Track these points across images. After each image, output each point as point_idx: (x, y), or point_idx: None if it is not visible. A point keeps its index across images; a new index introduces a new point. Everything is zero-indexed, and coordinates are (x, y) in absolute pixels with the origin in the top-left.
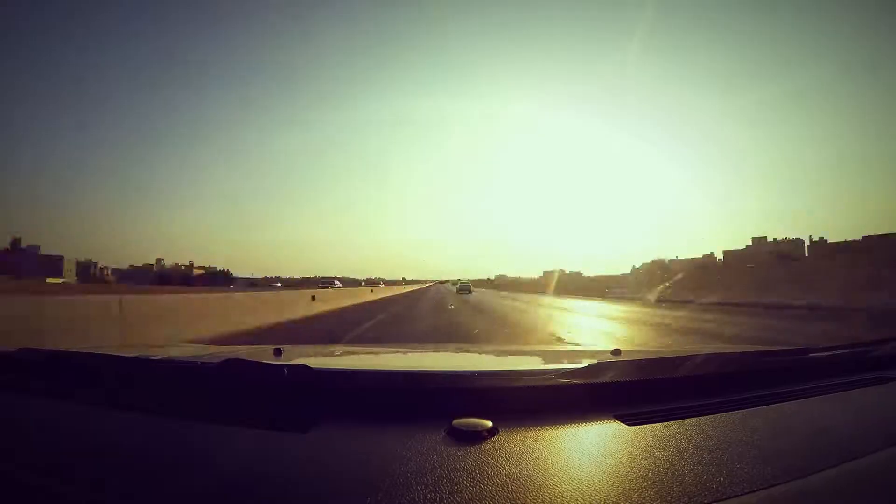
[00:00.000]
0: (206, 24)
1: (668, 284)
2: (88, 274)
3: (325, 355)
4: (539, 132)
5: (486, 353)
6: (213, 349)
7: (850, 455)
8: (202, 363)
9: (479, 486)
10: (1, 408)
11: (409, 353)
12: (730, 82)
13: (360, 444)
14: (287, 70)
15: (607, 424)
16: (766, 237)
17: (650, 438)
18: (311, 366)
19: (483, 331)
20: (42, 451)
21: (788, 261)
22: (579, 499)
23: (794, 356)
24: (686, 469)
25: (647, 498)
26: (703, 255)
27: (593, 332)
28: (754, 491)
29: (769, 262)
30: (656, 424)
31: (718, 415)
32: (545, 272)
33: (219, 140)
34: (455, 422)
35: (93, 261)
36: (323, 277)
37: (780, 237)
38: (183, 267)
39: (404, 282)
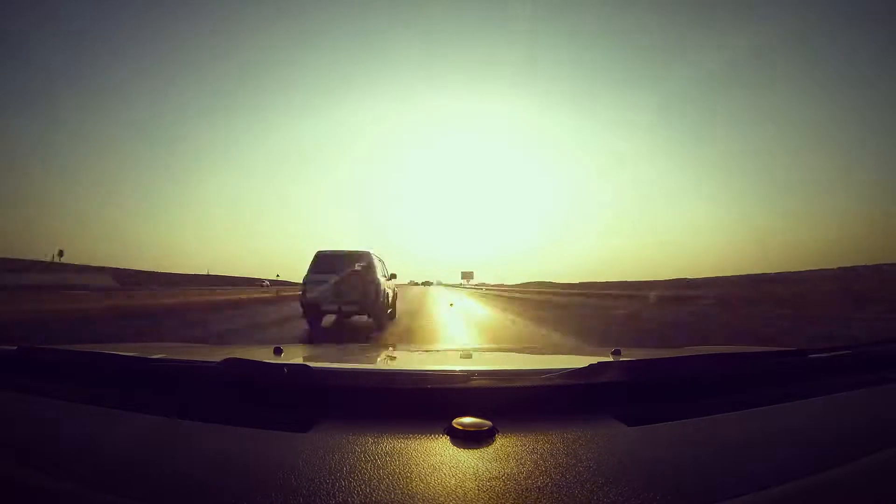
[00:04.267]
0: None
1: None
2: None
3: (325, 355)
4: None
5: (486, 353)
6: (214, 348)
7: (851, 456)
8: (202, 363)
9: (479, 486)
10: (1, 407)
11: (409, 353)
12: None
13: (359, 443)
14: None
15: (607, 425)
16: None
17: (650, 439)
18: (311, 365)
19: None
20: (42, 450)
21: None
22: (579, 499)
23: (793, 357)
24: (686, 469)
25: (647, 498)
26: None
27: None
28: (754, 491)
29: None
30: (656, 425)
31: (718, 415)
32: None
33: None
34: (455, 422)
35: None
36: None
37: None
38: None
39: None
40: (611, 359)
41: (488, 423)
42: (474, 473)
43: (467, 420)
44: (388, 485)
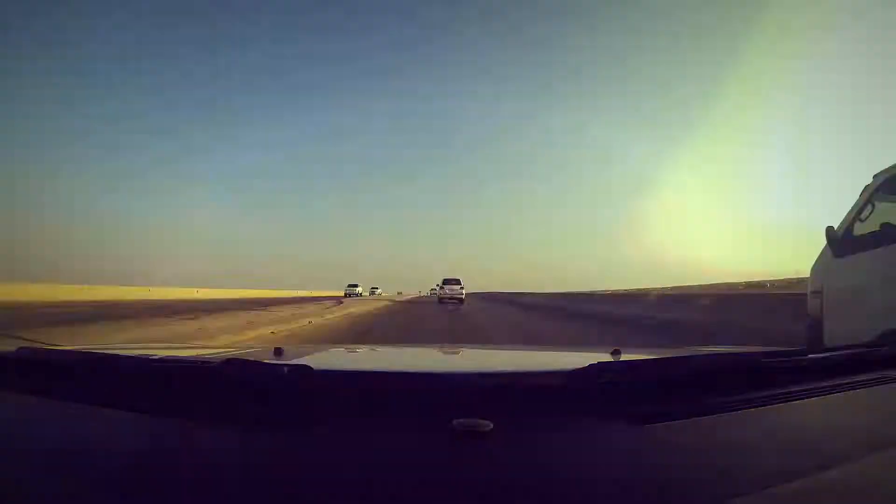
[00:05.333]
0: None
1: None
2: None
3: (326, 355)
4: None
5: (486, 353)
6: (214, 349)
7: (852, 456)
8: (203, 363)
9: (479, 487)
10: (1, 408)
11: (410, 353)
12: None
13: (360, 444)
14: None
15: (607, 424)
16: None
17: (650, 439)
18: (312, 366)
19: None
20: (42, 450)
21: None
22: (579, 499)
23: (795, 357)
24: (686, 469)
25: (648, 498)
26: None
27: None
28: (755, 491)
29: None
30: (656, 425)
31: (719, 415)
32: None
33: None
34: (455, 422)
35: None
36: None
37: None
38: None
39: None
40: (611, 359)
41: (488, 423)
42: (475, 473)
43: (467, 420)
44: (388, 485)
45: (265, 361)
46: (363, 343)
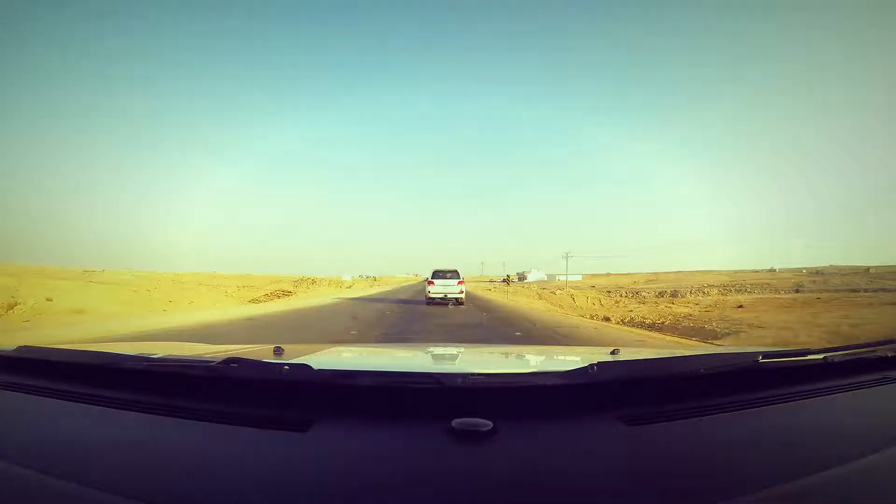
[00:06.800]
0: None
1: None
2: None
3: (326, 355)
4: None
5: (487, 352)
6: (214, 348)
7: (851, 456)
8: (202, 362)
9: (479, 487)
10: (1, 407)
11: (410, 353)
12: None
13: (359, 443)
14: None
15: (607, 425)
16: None
17: (650, 439)
18: (311, 365)
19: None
20: (42, 450)
21: None
22: (579, 499)
23: (794, 357)
24: (686, 469)
25: (647, 498)
26: None
27: None
28: (754, 491)
29: None
30: (656, 425)
31: (718, 415)
32: None
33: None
34: (455, 422)
35: None
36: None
37: None
38: None
39: None
40: (610, 358)
41: (488, 423)
42: (475, 473)
43: (467, 420)
44: (388, 484)
45: (265, 360)
46: (364, 343)
